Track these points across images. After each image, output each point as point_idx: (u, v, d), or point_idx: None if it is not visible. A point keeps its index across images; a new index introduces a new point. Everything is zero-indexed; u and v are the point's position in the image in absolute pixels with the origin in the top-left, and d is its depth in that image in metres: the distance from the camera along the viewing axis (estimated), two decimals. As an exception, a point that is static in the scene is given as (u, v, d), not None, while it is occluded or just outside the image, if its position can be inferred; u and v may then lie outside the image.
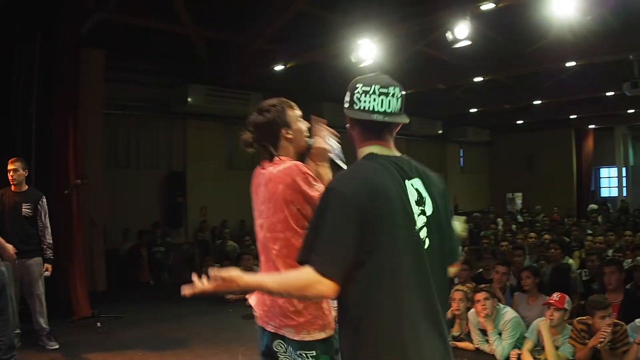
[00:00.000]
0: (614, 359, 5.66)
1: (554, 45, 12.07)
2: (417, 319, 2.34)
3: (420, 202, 2.46)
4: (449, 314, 7.04)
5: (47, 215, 7.15)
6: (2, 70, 8.85)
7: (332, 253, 2.29)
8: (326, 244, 2.30)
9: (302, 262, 2.34)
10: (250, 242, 12.75)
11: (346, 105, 2.57)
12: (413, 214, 2.41)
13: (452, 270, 2.75)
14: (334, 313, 3.15)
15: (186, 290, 2.42)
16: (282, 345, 3.27)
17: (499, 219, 17.18)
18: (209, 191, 15.09)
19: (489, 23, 11.07)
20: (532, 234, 12.20)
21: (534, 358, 6.17)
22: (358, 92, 2.50)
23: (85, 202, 9.03)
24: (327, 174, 3.35)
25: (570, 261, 9.52)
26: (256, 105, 3.46)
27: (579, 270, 8.89)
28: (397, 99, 2.49)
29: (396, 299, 2.32)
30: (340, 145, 3.50)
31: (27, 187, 7.15)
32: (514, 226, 15.81)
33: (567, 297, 6.21)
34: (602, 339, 5.56)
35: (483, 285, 7.03)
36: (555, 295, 6.15)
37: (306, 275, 2.28)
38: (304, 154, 3.48)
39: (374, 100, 2.46)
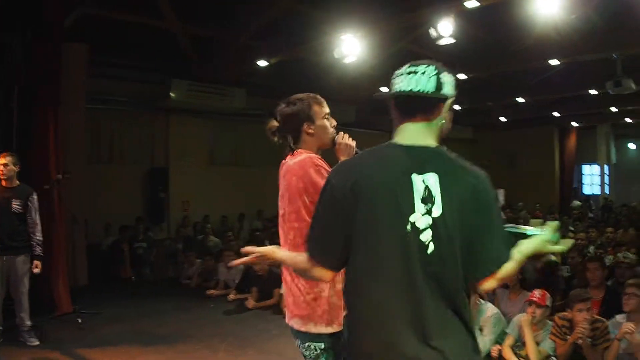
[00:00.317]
0: (595, 355, 5.69)
1: (538, 43, 12.09)
2: (395, 322, 2.25)
3: (427, 200, 2.26)
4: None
5: (38, 212, 7.09)
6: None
7: (320, 242, 2.41)
8: (315, 233, 2.43)
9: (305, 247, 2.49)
10: (232, 237, 12.75)
11: (380, 94, 2.55)
12: (408, 211, 2.25)
13: (486, 284, 2.33)
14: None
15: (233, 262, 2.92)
16: (294, 336, 3.34)
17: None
18: (191, 187, 15.03)
19: (474, 21, 11.08)
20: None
21: (515, 354, 6.19)
22: (393, 77, 2.39)
23: (66, 197, 8.97)
24: None
25: (553, 258, 9.56)
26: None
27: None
28: (429, 77, 2.31)
29: (372, 297, 2.31)
30: None
31: (18, 182, 7.08)
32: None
33: (547, 294, 6.24)
34: (580, 334, 5.60)
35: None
36: (537, 292, 6.17)
37: (304, 260, 2.45)
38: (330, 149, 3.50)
39: (401, 81, 2.33)
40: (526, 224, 3.34)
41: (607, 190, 26.07)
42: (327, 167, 3.23)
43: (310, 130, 3.41)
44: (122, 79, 13.49)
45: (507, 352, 6.24)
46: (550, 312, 6.31)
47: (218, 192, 15.40)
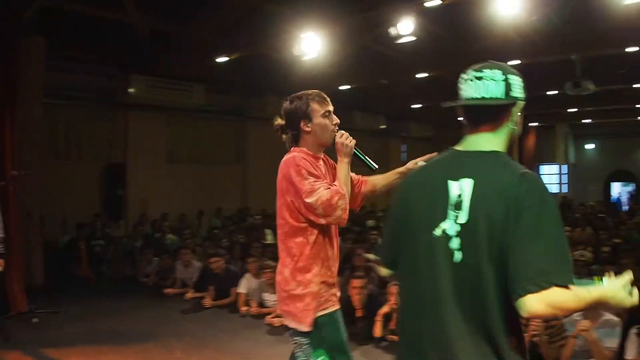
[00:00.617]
0: (552, 353, 5.75)
1: (498, 44, 12.14)
2: (421, 342, 2.23)
3: (458, 206, 2.19)
4: (387, 309, 7.07)
5: None
6: None
7: (383, 240, 2.61)
8: (383, 234, 2.63)
9: None
10: (189, 235, 12.65)
11: (449, 103, 2.40)
12: (440, 216, 2.21)
13: (528, 306, 1.95)
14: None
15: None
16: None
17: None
18: (149, 184, 14.87)
19: (434, 20, 11.11)
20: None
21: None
22: (461, 82, 2.35)
23: (22, 194, 8.82)
24: (343, 172, 3.42)
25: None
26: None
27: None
28: (497, 81, 2.26)
29: (405, 309, 2.38)
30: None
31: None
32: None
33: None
34: (535, 332, 5.65)
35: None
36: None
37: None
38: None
39: (470, 87, 2.29)
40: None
41: (565, 190, 26.42)
42: (311, 169, 3.32)
43: (307, 128, 3.45)
44: (82, 73, 13.24)
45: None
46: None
47: (177, 189, 15.28)
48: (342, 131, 3.49)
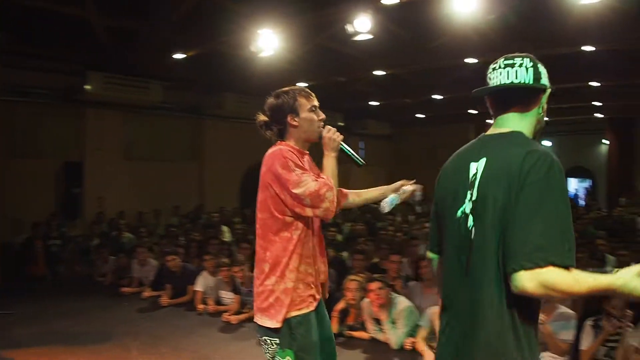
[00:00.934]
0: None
1: (455, 41, 12.24)
2: (459, 304, 2.38)
3: (472, 185, 2.32)
4: (343, 305, 7.10)
5: None
6: None
7: (430, 229, 2.75)
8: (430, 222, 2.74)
9: None
10: (146, 234, 12.57)
11: (479, 90, 2.52)
12: (460, 199, 2.37)
13: (519, 282, 2.06)
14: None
15: None
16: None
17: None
18: (107, 182, 14.73)
19: (392, 18, 11.13)
20: (427, 225, 12.44)
21: (429, 346, 6.28)
22: (489, 73, 2.47)
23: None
24: (330, 166, 3.44)
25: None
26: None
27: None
28: (527, 68, 2.39)
29: (442, 284, 2.52)
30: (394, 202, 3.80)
31: None
32: (411, 217, 15.99)
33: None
34: None
35: (377, 275, 7.10)
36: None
37: None
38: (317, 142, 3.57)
39: (500, 74, 2.40)
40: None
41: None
42: (297, 160, 3.35)
43: (295, 122, 3.47)
44: (38, 70, 13.10)
45: (421, 345, 6.32)
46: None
47: (134, 187, 15.16)
48: (329, 127, 3.53)
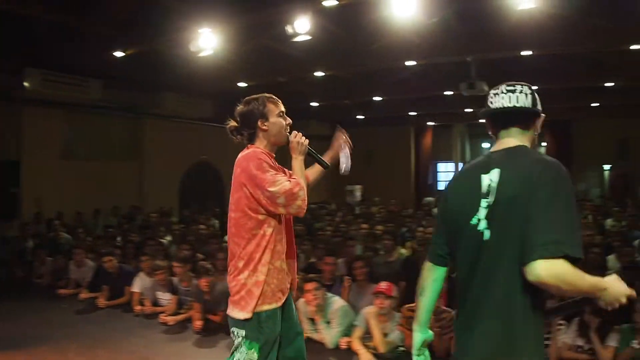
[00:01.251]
0: (443, 345, 5.93)
1: (396, 44, 12.37)
2: (468, 303, 2.64)
3: (487, 194, 2.57)
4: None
5: None
6: None
7: (434, 240, 2.97)
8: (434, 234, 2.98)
9: None
10: (84, 234, 12.38)
11: (482, 111, 2.86)
12: (474, 207, 2.60)
13: (531, 273, 2.30)
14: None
15: None
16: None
17: (339, 212, 17.43)
18: (45, 181, 14.49)
19: (332, 19, 11.19)
20: (364, 225, 12.59)
21: (364, 345, 6.34)
22: (490, 97, 2.79)
23: None
24: (299, 167, 3.69)
25: (403, 251, 9.84)
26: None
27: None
28: (527, 95, 2.71)
29: (458, 284, 2.74)
30: (348, 157, 4.04)
31: None
32: (350, 217, 15.98)
33: (394, 286, 6.42)
34: None
35: (312, 275, 7.13)
36: (384, 284, 6.35)
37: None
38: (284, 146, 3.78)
39: (502, 98, 2.72)
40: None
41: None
42: (270, 162, 3.56)
43: (264, 127, 3.66)
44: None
45: (356, 344, 6.37)
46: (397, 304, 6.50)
47: (73, 187, 14.94)
48: (296, 131, 3.75)
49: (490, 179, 2.58)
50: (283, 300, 3.61)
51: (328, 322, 6.70)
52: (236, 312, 3.50)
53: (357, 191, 24.79)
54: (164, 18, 10.73)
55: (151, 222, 14.64)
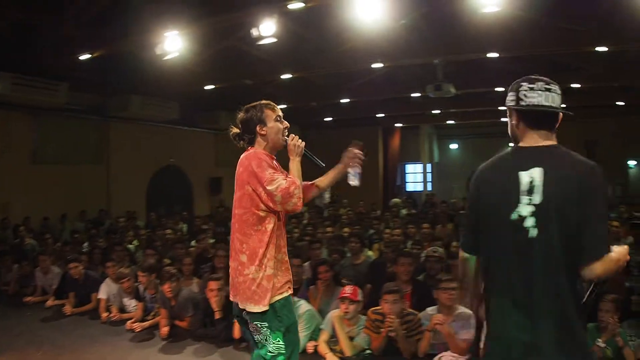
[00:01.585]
0: (409, 347, 5.97)
1: (363, 46, 12.39)
2: (506, 301, 2.76)
3: (530, 191, 2.71)
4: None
5: None
6: None
7: (464, 230, 3.09)
8: (463, 224, 3.11)
9: None
10: (50, 240, 12.22)
11: (511, 103, 2.92)
12: (514, 202, 2.73)
13: (588, 271, 2.63)
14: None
15: None
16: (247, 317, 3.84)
17: (307, 215, 17.42)
18: (12, 186, 14.29)
19: (299, 22, 11.21)
20: (329, 228, 12.61)
21: (331, 349, 6.35)
22: (523, 90, 2.84)
23: None
24: (295, 168, 3.93)
25: (370, 253, 9.85)
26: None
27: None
28: (558, 94, 2.82)
29: (489, 276, 2.90)
30: (358, 171, 4.16)
31: None
32: (318, 220, 15.95)
33: (359, 290, 6.44)
34: (390, 327, 5.84)
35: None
36: (348, 288, 6.36)
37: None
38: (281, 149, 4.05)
39: (539, 95, 2.79)
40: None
41: (430, 188, 27.27)
42: (270, 162, 3.82)
43: (263, 132, 3.94)
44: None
45: (323, 348, 6.38)
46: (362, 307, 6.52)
47: (41, 192, 14.75)
48: (293, 134, 4.00)
49: (531, 177, 2.72)
50: (291, 289, 3.93)
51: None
52: (252, 307, 3.73)
53: (326, 193, 24.83)
54: (130, 21, 10.63)
55: (119, 227, 14.52)
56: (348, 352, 6.23)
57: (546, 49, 12.41)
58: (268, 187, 3.67)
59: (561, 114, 2.87)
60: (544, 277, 2.64)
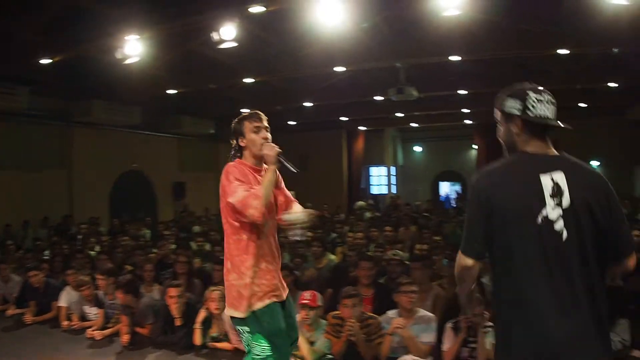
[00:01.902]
0: (370, 351, 5.97)
1: (325, 50, 12.44)
2: (540, 299, 2.71)
3: (556, 194, 2.74)
4: (204, 315, 7.04)
5: None
6: None
7: (468, 236, 2.90)
8: (466, 230, 2.92)
9: None
10: (13, 248, 12.06)
11: (517, 112, 2.94)
12: (539, 206, 2.72)
13: (630, 262, 2.84)
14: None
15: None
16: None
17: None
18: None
19: (261, 26, 11.19)
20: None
21: (292, 354, 6.35)
22: (531, 100, 2.90)
23: None
24: (267, 178, 3.90)
25: (332, 257, 9.85)
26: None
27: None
28: (555, 107, 2.93)
29: (513, 280, 2.79)
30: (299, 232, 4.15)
31: None
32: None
33: (318, 295, 6.43)
34: (350, 331, 5.85)
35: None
36: (307, 294, 6.32)
37: (457, 256, 2.96)
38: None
39: (545, 107, 2.88)
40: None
41: (394, 190, 27.40)
42: (238, 175, 3.86)
43: (243, 143, 4.05)
44: None
45: (288, 353, 6.38)
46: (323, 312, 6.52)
47: (2, 198, 14.56)
48: (268, 144, 4.01)
49: (554, 180, 2.76)
50: (279, 297, 4.02)
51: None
52: (233, 312, 3.89)
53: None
54: (90, 25, 10.55)
55: (81, 233, 14.38)
56: (309, 358, 6.20)
57: (508, 52, 12.56)
58: (229, 199, 3.77)
59: None
60: (581, 277, 2.69)
